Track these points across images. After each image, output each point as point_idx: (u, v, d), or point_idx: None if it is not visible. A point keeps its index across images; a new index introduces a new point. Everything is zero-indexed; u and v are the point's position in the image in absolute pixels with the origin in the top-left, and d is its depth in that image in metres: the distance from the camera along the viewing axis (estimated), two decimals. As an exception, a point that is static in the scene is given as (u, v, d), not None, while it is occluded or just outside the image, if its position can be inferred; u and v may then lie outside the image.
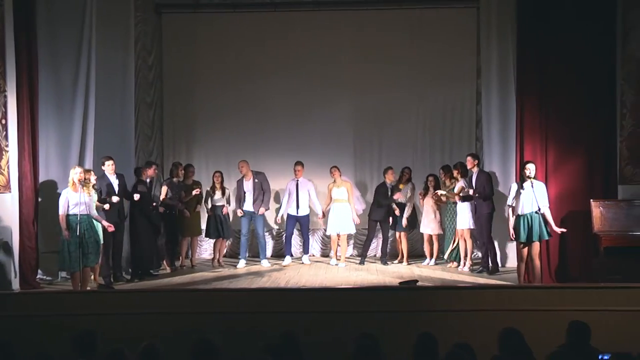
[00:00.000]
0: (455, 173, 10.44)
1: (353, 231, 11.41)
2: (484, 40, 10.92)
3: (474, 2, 11.47)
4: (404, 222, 10.92)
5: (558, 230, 8.74)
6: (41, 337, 6.19)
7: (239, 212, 10.99)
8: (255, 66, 12.25)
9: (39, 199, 9.23)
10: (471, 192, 10.00)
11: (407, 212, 10.96)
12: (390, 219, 11.12)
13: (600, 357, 4.72)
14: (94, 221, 8.62)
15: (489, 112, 10.73)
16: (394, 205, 10.94)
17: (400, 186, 11.03)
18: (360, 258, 11.33)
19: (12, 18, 8.81)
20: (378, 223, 11.12)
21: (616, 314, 6.34)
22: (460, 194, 10.21)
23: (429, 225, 10.94)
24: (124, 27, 10.99)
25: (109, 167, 9.49)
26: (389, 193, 11.00)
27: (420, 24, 12.15)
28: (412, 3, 12.13)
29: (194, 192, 10.76)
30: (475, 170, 10.11)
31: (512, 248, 10.01)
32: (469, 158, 10.24)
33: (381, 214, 11.05)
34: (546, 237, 8.73)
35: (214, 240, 11.28)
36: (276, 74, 12.19)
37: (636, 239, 8.84)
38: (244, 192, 10.99)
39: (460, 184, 10.33)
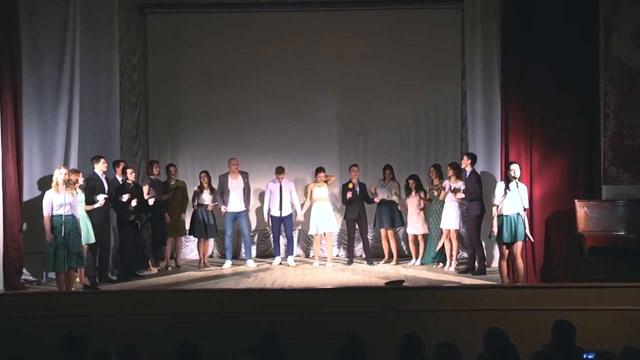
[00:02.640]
0: (450, 172, 10.43)
1: (336, 230, 11.42)
2: (468, 41, 10.96)
3: (459, 3, 11.49)
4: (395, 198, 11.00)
5: (529, 235, 8.78)
6: (25, 339, 6.15)
7: (223, 209, 10.92)
8: (240, 66, 12.24)
9: (23, 199, 9.17)
10: (460, 193, 10.00)
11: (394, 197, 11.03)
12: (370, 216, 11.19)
13: (584, 356, 4.74)
14: (80, 222, 8.55)
15: (473, 112, 10.77)
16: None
17: (350, 185, 11.05)
18: (347, 259, 11.32)
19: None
20: (356, 222, 11.12)
21: (601, 313, 6.40)
22: (455, 194, 10.20)
23: (413, 225, 10.98)
24: (108, 28, 10.93)
25: (102, 166, 9.48)
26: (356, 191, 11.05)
27: (405, 25, 12.19)
28: (397, 4, 12.16)
29: (165, 197, 10.71)
30: (468, 169, 10.12)
31: (497, 248, 10.04)
32: (465, 157, 10.23)
33: (355, 212, 11.06)
34: (522, 239, 8.76)
35: (198, 240, 11.25)
36: (261, 73, 12.19)
37: (620, 238, 8.92)
38: (228, 190, 10.94)
39: (446, 183, 10.36)
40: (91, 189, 9.30)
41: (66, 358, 4.57)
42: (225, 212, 10.92)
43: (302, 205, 11.33)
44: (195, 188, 11.18)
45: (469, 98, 10.97)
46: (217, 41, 12.30)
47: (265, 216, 11.29)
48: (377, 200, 11.04)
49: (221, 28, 12.32)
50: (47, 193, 8.33)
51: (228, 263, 10.96)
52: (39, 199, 8.62)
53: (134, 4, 12.17)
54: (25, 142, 9.30)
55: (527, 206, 8.74)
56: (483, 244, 10.17)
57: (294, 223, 11.54)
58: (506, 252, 8.80)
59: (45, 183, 9.16)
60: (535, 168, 9.40)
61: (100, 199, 9.21)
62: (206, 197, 11.02)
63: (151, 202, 10.11)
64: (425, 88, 12.11)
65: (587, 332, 5.31)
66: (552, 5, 9.35)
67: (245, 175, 11.09)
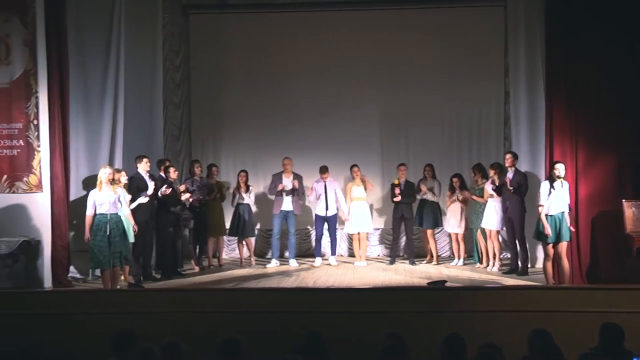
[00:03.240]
0: (491, 173, 10.31)
1: (370, 230, 11.38)
2: (511, 40, 10.83)
3: (502, 1, 11.38)
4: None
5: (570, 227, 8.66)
6: (71, 336, 6.25)
7: (280, 187, 10.87)
8: (282, 65, 12.29)
9: (70, 198, 9.34)
10: (508, 187, 9.84)
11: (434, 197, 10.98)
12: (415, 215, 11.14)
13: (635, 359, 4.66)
14: (123, 221, 8.66)
15: (517, 111, 10.63)
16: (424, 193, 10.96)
17: (395, 181, 11.00)
18: (390, 258, 11.29)
19: (43, 19, 8.91)
20: (402, 221, 11.07)
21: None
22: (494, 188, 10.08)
23: (455, 224, 10.89)
24: (152, 28, 11.09)
25: (145, 165, 9.57)
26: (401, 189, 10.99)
27: (447, 23, 12.09)
28: (440, 2, 12.09)
29: (209, 197, 10.80)
30: (512, 168, 9.99)
31: (541, 249, 9.91)
32: (509, 156, 10.11)
33: (400, 211, 11.01)
34: (567, 239, 8.64)
35: (238, 239, 11.32)
36: (303, 72, 12.23)
37: (669, 239, 8.72)
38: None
39: (488, 185, 10.24)
40: (135, 188, 9.41)
41: (116, 355, 4.63)
42: (283, 188, 10.90)
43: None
44: (234, 188, 11.25)
45: (512, 97, 10.83)
46: (259, 41, 12.36)
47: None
48: (423, 190, 10.96)
49: (262, 28, 12.38)
50: (92, 193, 8.45)
51: (274, 262, 11.00)
52: (85, 198, 8.75)
53: (178, 5, 12.33)
54: (72, 141, 9.47)
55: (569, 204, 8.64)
56: (527, 244, 10.04)
57: (339, 222, 11.53)
58: (551, 252, 8.67)
59: (90, 182, 9.30)
60: (580, 168, 9.25)
61: (151, 187, 9.29)
62: (244, 197, 11.06)
63: (184, 197, 10.11)
64: (468, 86, 12.00)
65: (636, 335, 5.20)
66: (597, 3, 9.18)
67: (299, 177, 11.11)
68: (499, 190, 10.01)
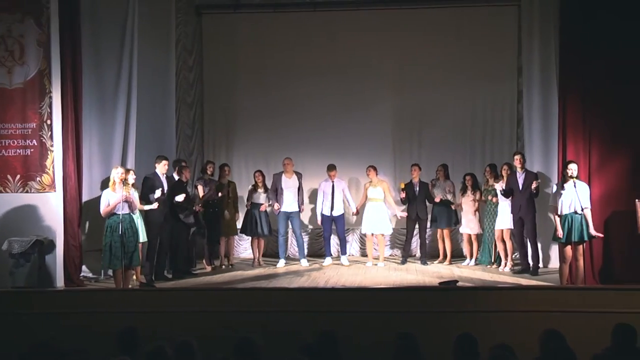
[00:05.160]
0: (503, 172, 10.29)
1: (388, 232, 11.37)
2: (525, 39, 10.80)
3: (515, 1, 11.37)
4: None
5: (594, 233, 8.58)
6: (84, 334, 6.28)
7: (276, 207, 10.93)
8: (295, 65, 12.30)
9: (83, 198, 9.39)
10: (534, 185, 9.75)
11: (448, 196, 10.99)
12: (429, 216, 11.10)
13: (646, 360, 4.63)
14: (135, 221, 8.70)
15: (530, 111, 10.59)
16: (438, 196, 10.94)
17: (401, 185, 10.99)
18: (402, 258, 11.27)
19: (57, 19, 8.95)
20: (416, 221, 11.05)
21: (663, 317, 6.21)
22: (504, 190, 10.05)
23: (468, 224, 10.87)
24: (165, 28, 11.14)
25: (163, 168, 9.58)
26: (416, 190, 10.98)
27: (460, 22, 12.08)
28: (452, 2, 12.06)
29: (216, 196, 10.76)
30: (522, 170, 9.94)
31: (554, 249, 9.88)
32: (518, 157, 10.06)
33: (414, 211, 10.99)
34: (586, 239, 8.59)
35: (251, 239, 11.33)
36: (315, 72, 12.22)
37: (683, 240, 8.66)
38: (282, 189, 10.97)
39: (498, 186, 10.20)
40: (150, 187, 9.42)
41: (124, 353, 4.65)
42: (279, 210, 10.96)
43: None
44: (250, 187, 11.26)
45: (525, 96, 10.80)
46: (272, 41, 12.38)
47: (319, 216, 11.30)
48: (437, 199, 10.95)
49: (276, 28, 12.39)
50: (105, 192, 8.49)
51: (282, 262, 11.02)
52: (98, 198, 8.79)
53: (191, 5, 12.38)
54: (85, 142, 9.49)
55: (588, 205, 8.55)
56: (539, 244, 10.00)
57: (347, 222, 11.51)
58: (568, 253, 8.61)
59: (104, 182, 9.36)
60: (594, 167, 9.20)
61: (158, 193, 9.27)
62: (260, 197, 11.08)
63: (179, 198, 10.00)
64: (481, 86, 11.98)
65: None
66: (611, 2, 9.13)
67: (299, 175, 11.12)
68: (507, 193, 9.98)
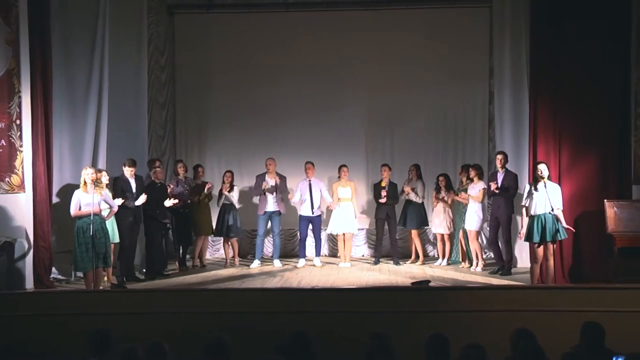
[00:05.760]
0: (472, 174, 10.38)
1: (355, 231, 11.39)
2: (496, 40, 10.88)
3: (487, 2, 11.44)
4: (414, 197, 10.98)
5: (566, 226, 8.66)
6: (54, 337, 6.21)
7: (263, 184, 10.84)
8: (268, 66, 12.26)
9: (53, 198, 9.28)
10: (493, 186, 9.83)
11: (416, 198, 11.00)
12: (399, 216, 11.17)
13: (614, 358, 4.69)
14: (106, 222, 8.63)
15: (501, 112, 10.68)
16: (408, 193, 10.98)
17: (382, 183, 11.01)
18: (374, 258, 11.30)
19: (26, 18, 8.85)
20: (385, 221, 11.09)
21: (631, 315, 6.30)
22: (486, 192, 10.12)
23: (440, 225, 10.93)
24: (137, 28, 11.05)
25: (129, 171, 9.52)
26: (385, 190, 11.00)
27: (433, 24, 12.14)
28: (424, 3, 12.12)
29: (206, 190, 10.77)
30: (502, 169, 10.01)
31: (524, 249, 9.96)
32: (500, 156, 10.10)
33: (384, 212, 11.03)
34: (561, 238, 8.68)
35: (223, 239, 11.30)
36: (289, 73, 12.20)
37: (651, 239, 8.80)
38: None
39: (479, 186, 10.25)
40: (120, 190, 9.37)
41: (95, 356, 4.62)
42: (266, 187, 10.86)
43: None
44: (220, 187, 11.22)
45: (496, 97, 10.89)
46: (245, 41, 12.34)
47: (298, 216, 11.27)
48: (406, 191, 10.98)
49: (248, 28, 12.35)
50: (76, 192, 8.41)
51: (256, 262, 10.98)
52: (68, 199, 8.71)
53: (163, 5, 12.29)
54: (55, 142, 9.42)
55: (560, 206, 8.61)
56: (511, 244, 10.10)
57: (323, 223, 11.53)
58: (540, 253, 8.70)
59: (74, 183, 9.25)
60: (564, 168, 9.32)
61: (143, 199, 9.34)
62: (228, 196, 11.04)
63: (168, 203, 10.06)
64: (453, 87, 12.04)
65: (617, 334, 5.23)
66: (581, 4, 9.25)
67: (282, 178, 11.09)
68: (490, 193, 10.03)
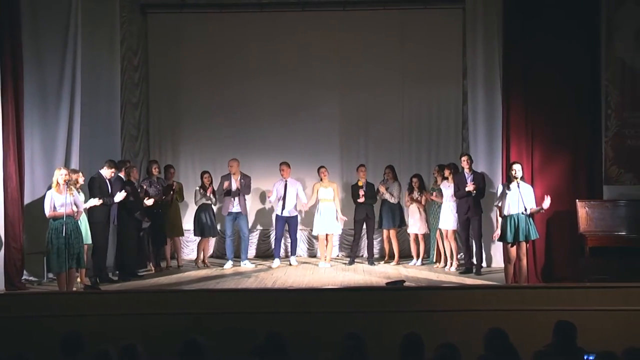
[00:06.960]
0: (447, 173, 10.43)
1: (339, 232, 11.42)
2: (469, 41, 10.94)
3: (460, 3, 11.48)
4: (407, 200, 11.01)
5: (537, 208, 8.69)
6: (26, 339, 6.15)
7: (225, 184, 10.82)
8: (242, 66, 12.24)
9: (25, 199, 9.18)
10: (471, 187, 9.90)
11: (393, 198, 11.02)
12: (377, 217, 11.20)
13: (585, 357, 4.73)
14: (79, 223, 8.55)
15: (475, 112, 10.73)
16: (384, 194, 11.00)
17: (359, 182, 11.05)
18: (349, 259, 11.32)
19: (-5, 18, 8.76)
20: (364, 221, 11.11)
21: (602, 314, 6.38)
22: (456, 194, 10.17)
23: (415, 224, 10.97)
24: (110, 28, 10.95)
25: (108, 173, 9.46)
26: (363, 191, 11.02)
27: (406, 24, 12.19)
28: (398, 4, 12.16)
29: (165, 198, 10.74)
30: (469, 171, 10.07)
31: (498, 249, 10.03)
32: (465, 158, 10.18)
33: (363, 212, 11.05)
34: (533, 237, 8.76)
35: (199, 239, 11.25)
36: (263, 74, 12.19)
37: (622, 239, 8.93)
38: (230, 190, 10.89)
39: (448, 188, 10.31)
40: (97, 189, 9.30)
41: (65, 357, 4.58)
42: (228, 187, 10.84)
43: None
44: (197, 188, 11.17)
45: (470, 98, 10.93)
46: (219, 41, 12.30)
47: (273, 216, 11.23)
48: (381, 191, 11.01)
49: (222, 28, 12.32)
50: (49, 193, 8.33)
51: (229, 263, 10.95)
52: (40, 200, 8.63)
53: (136, 5, 12.19)
54: (27, 143, 9.30)
55: (533, 206, 8.67)
56: (482, 244, 10.16)
57: (304, 224, 11.50)
58: (513, 253, 8.75)
59: (46, 183, 9.15)
60: (536, 168, 9.40)
61: (122, 195, 9.30)
62: (211, 197, 11.02)
63: (149, 202, 10.10)
64: (427, 87, 12.12)
65: (588, 333, 5.30)
66: (553, 5, 9.35)
67: (246, 178, 11.06)
68: (461, 194, 10.04)
